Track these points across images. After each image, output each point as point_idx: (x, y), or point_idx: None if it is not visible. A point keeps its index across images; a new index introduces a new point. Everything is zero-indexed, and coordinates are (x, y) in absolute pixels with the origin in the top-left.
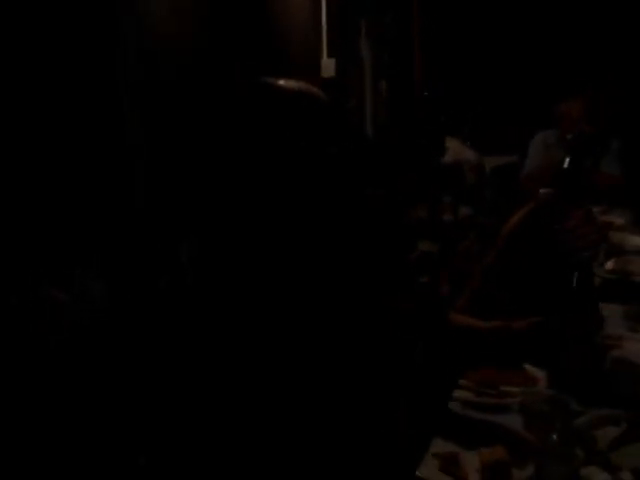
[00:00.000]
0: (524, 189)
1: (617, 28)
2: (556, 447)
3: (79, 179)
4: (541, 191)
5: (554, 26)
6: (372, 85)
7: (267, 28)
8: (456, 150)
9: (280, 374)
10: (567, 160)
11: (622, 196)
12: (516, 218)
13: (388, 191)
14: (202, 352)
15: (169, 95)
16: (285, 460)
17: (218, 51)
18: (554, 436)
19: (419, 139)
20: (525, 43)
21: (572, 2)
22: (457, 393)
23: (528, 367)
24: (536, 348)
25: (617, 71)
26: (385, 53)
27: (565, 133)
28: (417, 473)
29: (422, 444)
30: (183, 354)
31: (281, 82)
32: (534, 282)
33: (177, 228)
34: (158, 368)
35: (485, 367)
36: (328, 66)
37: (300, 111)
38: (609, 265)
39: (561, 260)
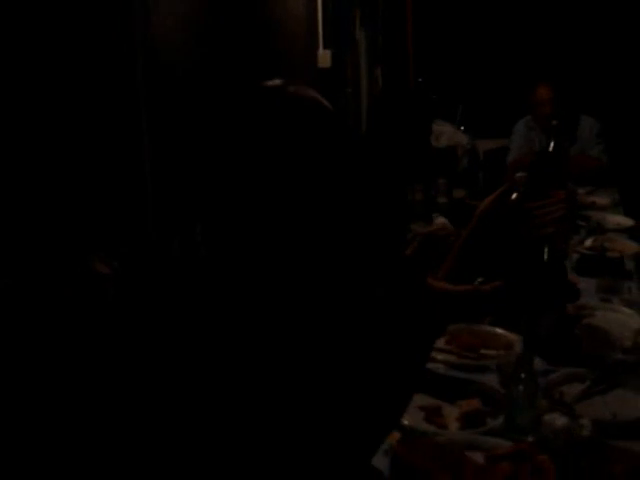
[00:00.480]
0: (510, 174)
1: (583, 17)
2: (522, 397)
3: (102, 173)
4: (517, 175)
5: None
6: (367, 72)
7: (266, 24)
8: (449, 134)
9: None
10: (552, 144)
11: (606, 178)
12: (489, 198)
13: (386, 176)
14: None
15: (179, 98)
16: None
17: (219, 51)
18: (520, 387)
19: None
20: (509, 30)
21: None
22: (441, 356)
23: (504, 332)
24: (508, 313)
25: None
26: (379, 41)
27: (538, 118)
28: (404, 422)
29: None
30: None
31: (292, 88)
32: (506, 257)
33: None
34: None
35: (458, 330)
36: (324, 57)
37: (309, 120)
38: (588, 242)
39: (532, 236)
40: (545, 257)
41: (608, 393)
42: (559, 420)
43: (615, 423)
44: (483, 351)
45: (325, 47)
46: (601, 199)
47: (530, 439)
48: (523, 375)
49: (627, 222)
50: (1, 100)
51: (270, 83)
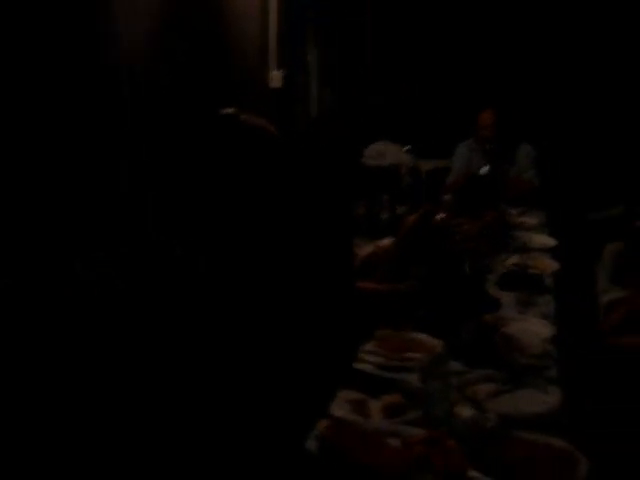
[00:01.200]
0: (450, 194)
1: (527, 43)
2: (437, 392)
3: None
4: (444, 197)
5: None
6: (317, 92)
7: (222, 46)
8: (394, 154)
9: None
10: (485, 168)
11: (537, 200)
12: (413, 216)
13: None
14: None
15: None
16: None
17: (182, 71)
18: (435, 383)
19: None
20: (458, 54)
21: (492, 27)
22: (370, 358)
23: (427, 338)
24: (433, 320)
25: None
26: (333, 60)
27: (480, 142)
28: (333, 412)
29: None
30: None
31: (244, 116)
32: (431, 269)
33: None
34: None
35: (386, 336)
36: (276, 78)
37: (257, 145)
38: (513, 260)
39: (454, 251)
40: (466, 271)
41: (515, 392)
42: (467, 412)
43: (518, 417)
44: (408, 354)
45: (278, 67)
46: (530, 220)
47: (444, 429)
48: (438, 373)
49: (551, 242)
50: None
51: (225, 111)
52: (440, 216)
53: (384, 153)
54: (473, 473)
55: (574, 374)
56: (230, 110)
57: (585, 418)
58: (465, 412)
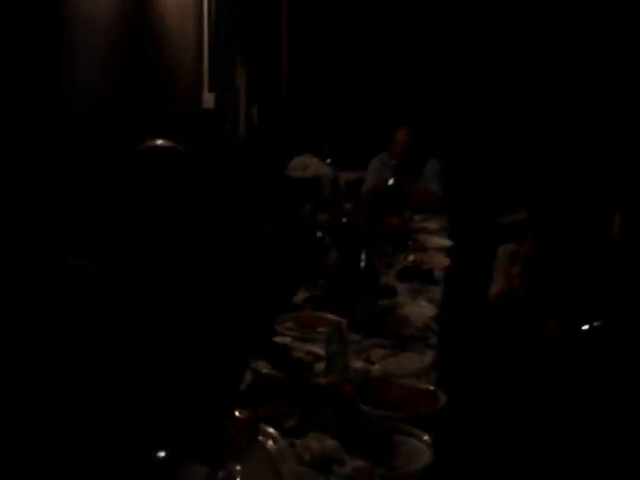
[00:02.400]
0: (362, 203)
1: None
2: (335, 352)
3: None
4: (346, 205)
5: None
6: (245, 110)
7: (161, 76)
8: (315, 166)
9: None
10: (391, 180)
11: (439, 207)
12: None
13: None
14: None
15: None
16: None
17: (121, 95)
18: (334, 345)
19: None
20: (371, 74)
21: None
22: (289, 332)
23: (333, 316)
24: (340, 303)
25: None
26: (257, 81)
27: (394, 155)
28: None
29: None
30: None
31: (159, 142)
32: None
33: None
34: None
35: (302, 315)
36: (208, 99)
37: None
38: (411, 257)
39: (356, 248)
40: (361, 263)
41: (400, 355)
42: (358, 365)
43: (401, 373)
44: (318, 329)
45: (210, 90)
46: (432, 225)
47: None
48: (338, 338)
49: (446, 243)
50: None
51: (153, 143)
52: (344, 220)
53: (307, 165)
54: (363, 407)
55: (447, 342)
56: (158, 142)
57: (450, 370)
58: (356, 364)
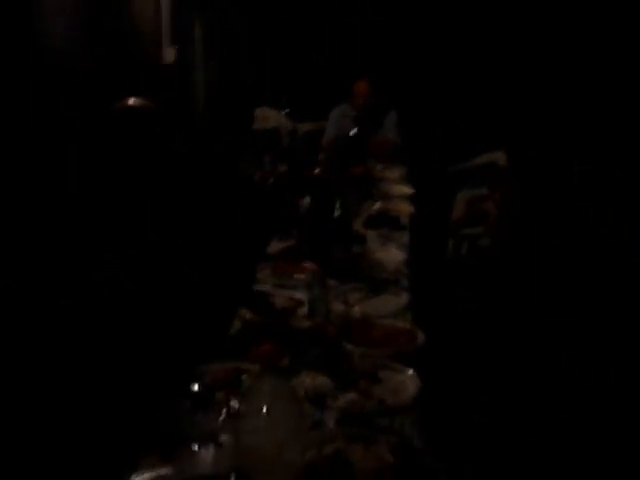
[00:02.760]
0: (324, 152)
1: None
2: (316, 297)
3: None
4: (320, 156)
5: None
6: (204, 64)
7: (123, 33)
8: (275, 118)
9: None
10: (354, 131)
11: (398, 156)
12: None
13: (222, 154)
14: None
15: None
16: None
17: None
18: (316, 290)
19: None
20: (331, 31)
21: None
22: (268, 279)
23: (309, 263)
24: (315, 251)
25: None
26: (215, 38)
27: (355, 107)
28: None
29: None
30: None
31: (130, 101)
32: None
33: None
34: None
35: (280, 264)
36: (169, 54)
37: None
38: (377, 205)
39: (329, 198)
40: (335, 212)
41: (376, 297)
42: (340, 309)
43: (378, 314)
44: (296, 275)
45: (170, 44)
46: (392, 173)
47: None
48: (318, 283)
49: (408, 191)
50: None
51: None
52: (317, 171)
53: (267, 117)
54: (346, 344)
55: (418, 284)
56: (119, 103)
57: (424, 310)
58: (339, 309)
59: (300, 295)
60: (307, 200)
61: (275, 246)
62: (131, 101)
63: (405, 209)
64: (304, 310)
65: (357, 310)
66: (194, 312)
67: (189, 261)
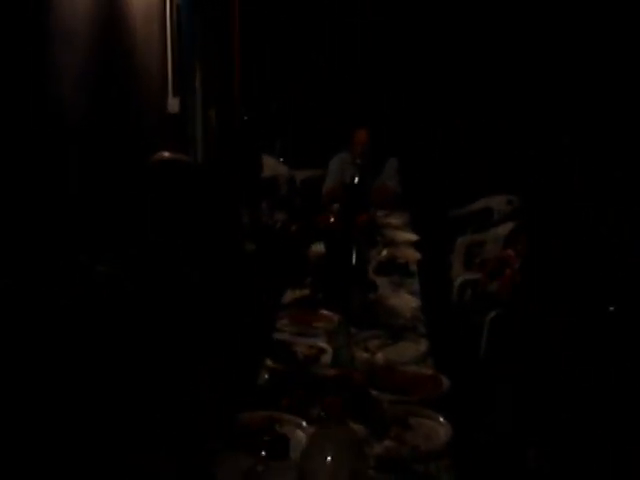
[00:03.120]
0: (324, 201)
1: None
2: (341, 344)
3: None
4: (333, 205)
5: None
6: (202, 113)
7: (133, 84)
8: (271, 166)
9: None
10: (357, 179)
11: (399, 203)
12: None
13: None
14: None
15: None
16: None
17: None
18: (340, 338)
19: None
20: (326, 79)
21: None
22: (286, 328)
23: (326, 312)
24: (332, 299)
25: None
26: (215, 86)
27: (355, 155)
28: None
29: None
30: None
31: (165, 154)
32: (332, 261)
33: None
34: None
35: (296, 312)
36: (173, 104)
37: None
38: (384, 253)
39: (346, 246)
40: (353, 262)
41: (396, 344)
42: (364, 356)
43: (400, 360)
44: (314, 324)
45: (174, 95)
46: (395, 220)
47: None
48: (342, 332)
49: (413, 237)
50: None
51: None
52: (332, 220)
53: (264, 165)
54: (373, 391)
55: (435, 330)
56: (159, 155)
57: (446, 356)
58: (362, 356)
59: (321, 343)
60: (318, 248)
61: (289, 295)
62: (166, 154)
63: (412, 255)
64: (327, 358)
65: (380, 357)
66: (221, 365)
67: (212, 312)
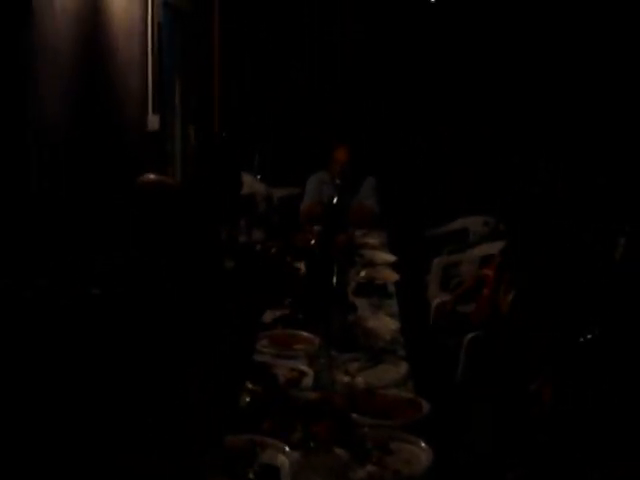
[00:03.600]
0: (302, 220)
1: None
2: (322, 367)
3: None
4: (314, 227)
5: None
6: (181, 131)
7: (113, 101)
8: (249, 183)
9: None
10: (335, 199)
11: (376, 223)
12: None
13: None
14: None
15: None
16: None
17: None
18: (322, 361)
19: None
20: (305, 96)
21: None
22: (266, 350)
23: (306, 334)
24: (313, 321)
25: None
26: (194, 103)
27: (334, 174)
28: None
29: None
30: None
31: (151, 176)
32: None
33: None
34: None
35: (277, 333)
36: (153, 121)
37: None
38: (362, 273)
39: (327, 267)
40: (333, 284)
41: (375, 367)
42: (344, 379)
43: (379, 384)
44: (295, 346)
45: (154, 112)
46: (372, 240)
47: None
48: (323, 355)
49: (391, 258)
50: None
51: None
52: (313, 242)
53: (242, 182)
54: (354, 415)
55: (415, 353)
56: (145, 177)
57: (425, 378)
58: (343, 379)
59: (302, 366)
60: (298, 268)
61: (269, 315)
62: (152, 176)
63: (390, 276)
64: (308, 381)
65: (360, 380)
66: (202, 384)
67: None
